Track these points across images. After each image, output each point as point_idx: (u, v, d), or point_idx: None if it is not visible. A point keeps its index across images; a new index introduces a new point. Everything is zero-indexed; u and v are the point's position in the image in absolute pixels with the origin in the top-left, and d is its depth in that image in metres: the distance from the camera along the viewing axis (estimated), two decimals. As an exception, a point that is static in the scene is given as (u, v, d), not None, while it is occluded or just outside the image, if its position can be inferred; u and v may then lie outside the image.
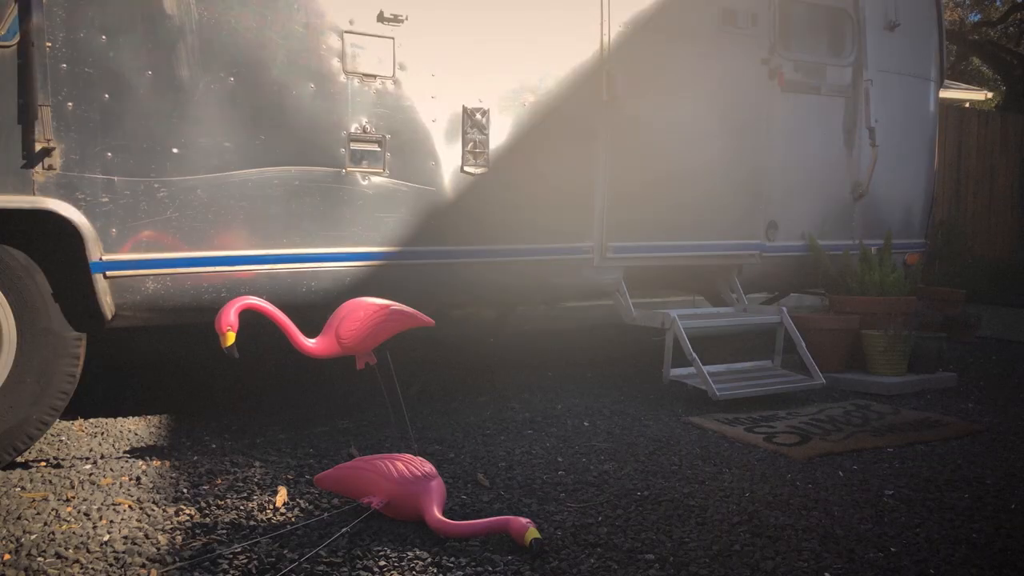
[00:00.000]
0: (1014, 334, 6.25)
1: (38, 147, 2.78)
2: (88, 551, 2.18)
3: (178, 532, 2.31)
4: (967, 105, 11.72)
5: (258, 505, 2.52)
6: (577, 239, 3.91)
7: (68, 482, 2.73)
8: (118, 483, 2.72)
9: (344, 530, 2.30)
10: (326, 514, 2.43)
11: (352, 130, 3.33)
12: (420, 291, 3.56)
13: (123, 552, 2.17)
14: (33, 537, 2.26)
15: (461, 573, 2.05)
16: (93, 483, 2.72)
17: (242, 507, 2.50)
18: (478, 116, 3.60)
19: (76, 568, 2.08)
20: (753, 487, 2.70)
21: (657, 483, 2.73)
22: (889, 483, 2.75)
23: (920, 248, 5.21)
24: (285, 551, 2.17)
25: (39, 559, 2.12)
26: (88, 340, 3.00)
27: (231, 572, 2.06)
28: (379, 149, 3.39)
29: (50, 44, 2.79)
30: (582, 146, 3.89)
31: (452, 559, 2.12)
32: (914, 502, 2.58)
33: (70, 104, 2.84)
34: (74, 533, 2.29)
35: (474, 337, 6.08)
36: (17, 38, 2.74)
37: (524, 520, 2.16)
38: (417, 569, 2.07)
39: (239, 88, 3.12)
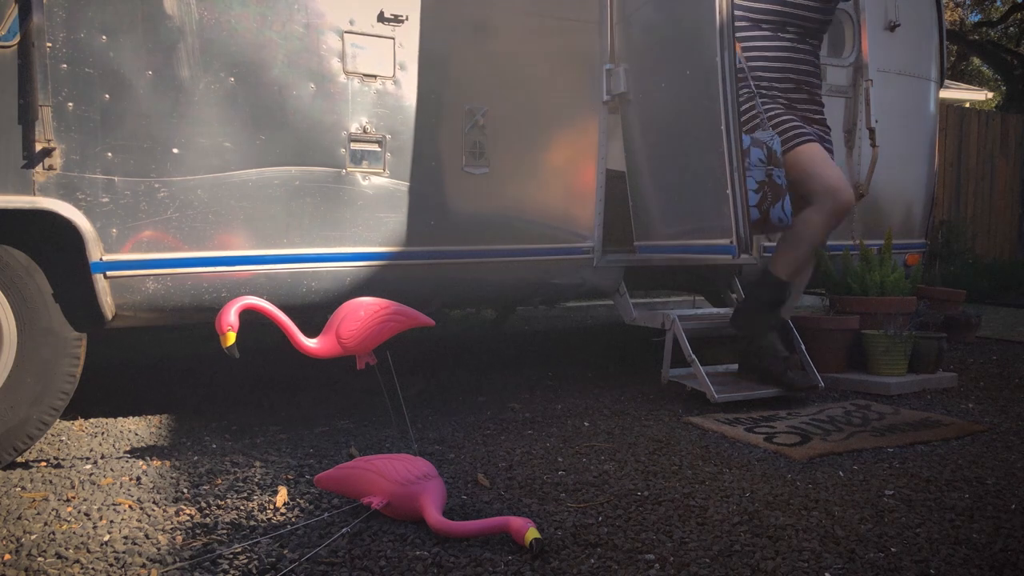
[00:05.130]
0: (1014, 334, 6.25)
1: (38, 147, 2.79)
2: (88, 551, 2.18)
3: (178, 532, 2.31)
4: (967, 105, 11.73)
5: (258, 505, 2.52)
6: (577, 239, 3.92)
7: (68, 482, 2.73)
8: (118, 483, 2.72)
9: (344, 530, 2.30)
10: (326, 514, 2.43)
11: (352, 130, 3.33)
12: (420, 291, 3.56)
13: (123, 552, 2.17)
14: (33, 537, 2.26)
15: (461, 573, 2.05)
16: (93, 483, 2.72)
17: (242, 507, 2.50)
18: (478, 116, 3.61)
19: (76, 568, 2.08)
20: (753, 487, 2.70)
21: (657, 483, 2.73)
22: (889, 483, 2.75)
23: (920, 248, 5.21)
24: (285, 551, 2.17)
25: (39, 559, 2.12)
26: (88, 340, 3.00)
27: (231, 572, 2.06)
28: (379, 149, 3.40)
29: (50, 44, 2.79)
30: (582, 146, 3.89)
31: (452, 559, 2.12)
32: (914, 502, 2.58)
33: (70, 104, 2.84)
34: (74, 533, 2.29)
35: (474, 337, 6.08)
36: (17, 38, 2.75)
37: (524, 520, 2.16)
38: (417, 569, 2.07)
39: (239, 88, 3.12)
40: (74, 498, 2.58)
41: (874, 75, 4.67)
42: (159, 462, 2.95)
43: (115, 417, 3.59)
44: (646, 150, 4.10)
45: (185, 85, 3.02)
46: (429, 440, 3.23)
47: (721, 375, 4.02)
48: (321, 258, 3.30)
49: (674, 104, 3.95)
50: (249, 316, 2.76)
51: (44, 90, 2.77)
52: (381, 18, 3.37)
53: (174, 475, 2.81)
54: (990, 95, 16.12)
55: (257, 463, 2.93)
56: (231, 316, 2.65)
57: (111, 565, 2.09)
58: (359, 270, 3.39)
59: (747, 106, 3.95)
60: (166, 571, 2.07)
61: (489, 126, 3.63)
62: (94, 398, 3.83)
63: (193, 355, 5.17)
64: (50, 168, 2.82)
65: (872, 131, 4.63)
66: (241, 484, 2.71)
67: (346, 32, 3.31)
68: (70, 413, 3.58)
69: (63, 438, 3.27)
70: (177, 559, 2.13)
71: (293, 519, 2.41)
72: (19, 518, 2.40)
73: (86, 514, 2.43)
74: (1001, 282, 9.16)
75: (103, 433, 3.34)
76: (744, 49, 3.96)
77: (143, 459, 2.99)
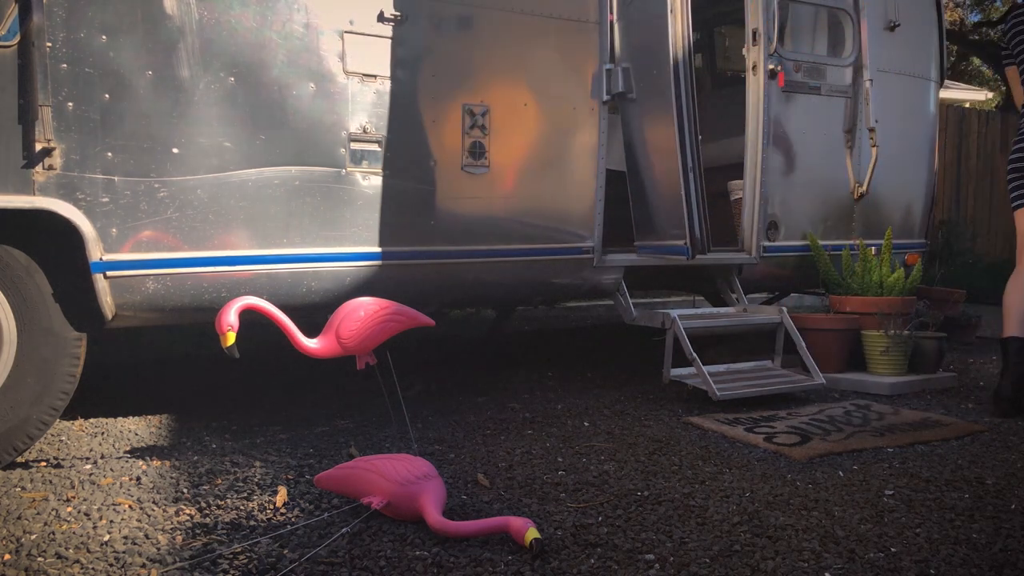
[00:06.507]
0: (1014, 334, 6.23)
1: (38, 147, 2.79)
2: (88, 551, 2.18)
3: (178, 532, 2.31)
4: (967, 105, 11.72)
5: (258, 505, 2.52)
6: (577, 239, 3.91)
7: (68, 482, 2.73)
8: (118, 483, 2.72)
9: (344, 530, 2.30)
10: (326, 514, 2.43)
11: (352, 130, 3.33)
12: (420, 291, 3.56)
13: (123, 552, 2.17)
14: (33, 537, 2.26)
15: (461, 573, 2.05)
16: (93, 483, 2.72)
17: (242, 507, 2.50)
18: (478, 116, 3.61)
19: (76, 568, 2.08)
20: (753, 487, 2.70)
21: (657, 483, 2.73)
22: (889, 483, 2.75)
23: (920, 248, 5.21)
24: (285, 551, 2.17)
25: (39, 559, 2.12)
26: (88, 340, 3.00)
27: (231, 572, 2.06)
28: (379, 149, 3.40)
29: (50, 44, 2.79)
30: (582, 146, 3.89)
31: (452, 559, 2.12)
32: (914, 502, 2.58)
33: (70, 104, 2.84)
34: (74, 533, 2.29)
35: (474, 337, 6.08)
36: (17, 38, 2.75)
37: (524, 520, 2.16)
38: (417, 569, 2.07)
39: (239, 88, 3.12)
40: (74, 498, 2.58)
41: (874, 75, 4.67)
42: (159, 462, 2.95)
43: (115, 417, 3.59)
44: (644, 150, 4.11)
45: (185, 85, 3.02)
46: (429, 440, 3.23)
47: (722, 374, 4.01)
48: (321, 258, 3.30)
49: (654, 104, 3.97)
50: (249, 316, 2.76)
51: (44, 90, 2.77)
52: (381, 18, 3.37)
53: (174, 475, 2.81)
54: (990, 95, 16.12)
55: (257, 463, 2.93)
56: (231, 316, 2.65)
57: (111, 565, 2.09)
58: (359, 270, 3.39)
59: None
60: (166, 571, 2.07)
61: (489, 126, 3.63)
62: (94, 398, 3.83)
63: (193, 355, 5.17)
64: (50, 168, 2.82)
65: (872, 131, 4.63)
66: (241, 484, 2.71)
67: (346, 32, 3.31)
68: (70, 413, 3.58)
69: (63, 438, 3.27)
70: (177, 559, 2.13)
71: (293, 519, 2.41)
72: (19, 518, 2.40)
73: (86, 514, 2.43)
74: (1001, 282, 9.14)
75: (103, 433, 3.34)
76: None
77: (143, 459, 2.99)
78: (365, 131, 3.36)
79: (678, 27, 3.79)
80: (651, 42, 3.87)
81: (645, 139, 4.05)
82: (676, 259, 4.02)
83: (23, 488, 2.68)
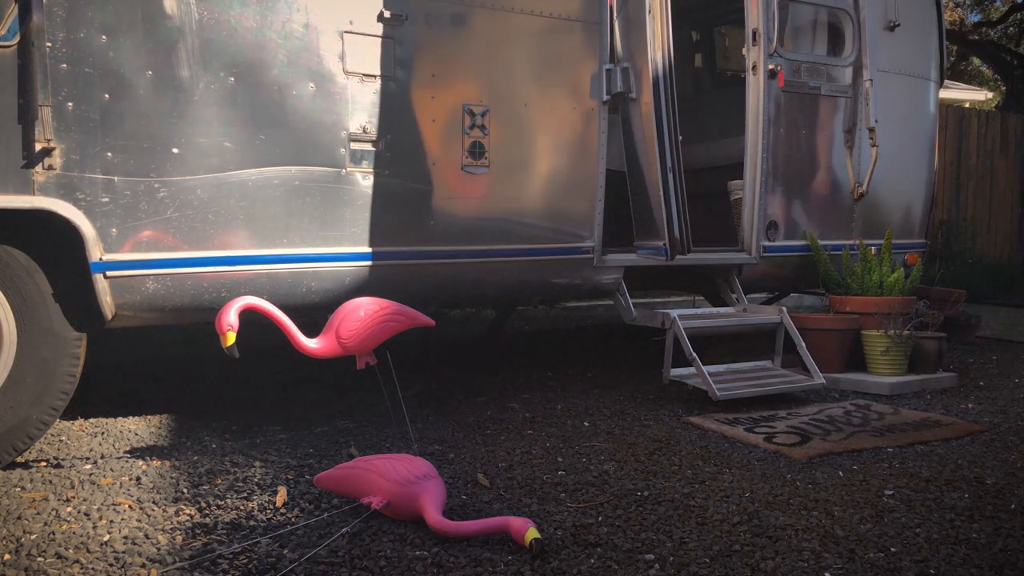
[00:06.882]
0: (1014, 334, 6.25)
1: (38, 147, 2.79)
2: (88, 551, 2.18)
3: (178, 532, 2.31)
4: (967, 105, 11.72)
5: (258, 505, 2.52)
6: (577, 239, 3.91)
7: (68, 482, 2.73)
8: (118, 483, 2.72)
9: (344, 530, 2.30)
10: (326, 514, 2.43)
11: (352, 130, 3.33)
12: (420, 291, 3.56)
13: (123, 552, 2.17)
14: (33, 537, 2.26)
15: (461, 573, 2.05)
16: (93, 483, 2.72)
17: (242, 507, 2.50)
18: (478, 116, 3.61)
19: (76, 568, 2.08)
20: (753, 487, 2.70)
21: (657, 483, 2.73)
22: (889, 483, 2.75)
23: (920, 248, 5.21)
24: (285, 551, 2.17)
25: (39, 559, 2.12)
26: (88, 340, 3.00)
27: (231, 572, 2.06)
28: (379, 149, 3.39)
29: (50, 44, 2.79)
30: (582, 146, 3.89)
31: (452, 559, 2.12)
32: (914, 502, 2.58)
33: (70, 104, 2.84)
34: (74, 533, 2.29)
35: (474, 337, 6.09)
36: (17, 38, 2.75)
37: (524, 520, 2.17)
38: (417, 569, 2.07)
39: (239, 88, 3.12)
40: (74, 498, 2.58)
41: (874, 75, 4.67)
42: (159, 462, 2.95)
43: (115, 417, 3.59)
44: (642, 149, 4.12)
45: (185, 85, 3.02)
46: (429, 440, 3.23)
47: (722, 374, 4.01)
48: (321, 258, 3.30)
49: (645, 103, 3.97)
50: (249, 316, 2.76)
51: (44, 90, 2.77)
52: (381, 18, 3.37)
53: (174, 475, 2.81)
54: (990, 95, 16.12)
55: (257, 463, 2.93)
56: (231, 316, 2.65)
57: (111, 565, 2.09)
58: (359, 270, 3.39)
59: None
60: (166, 571, 2.07)
61: (489, 126, 3.63)
62: (94, 398, 3.83)
63: (193, 355, 5.17)
64: (50, 168, 2.82)
65: (872, 131, 4.63)
66: (241, 484, 2.71)
67: (346, 32, 3.31)
68: (70, 413, 3.58)
69: (63, 438, 3.27)
70: (177, 559, 2.13)
71: (293, 519, 2.41)
72: (19, 518, 2.40)
73: (86, 514, 2.43)
74: (1001, 282, 9.16)
75: (103, 433, 3.34)
76: None
77: (143, 459, 2.99)
78: (365, 131, 3.36)
79: (657, 27, 3.80)
80: (639, 42, 3.88)
81: (644, 138, 4.06)
82: (657, 259, 4.02)
83: (23, 488, 2.68)
